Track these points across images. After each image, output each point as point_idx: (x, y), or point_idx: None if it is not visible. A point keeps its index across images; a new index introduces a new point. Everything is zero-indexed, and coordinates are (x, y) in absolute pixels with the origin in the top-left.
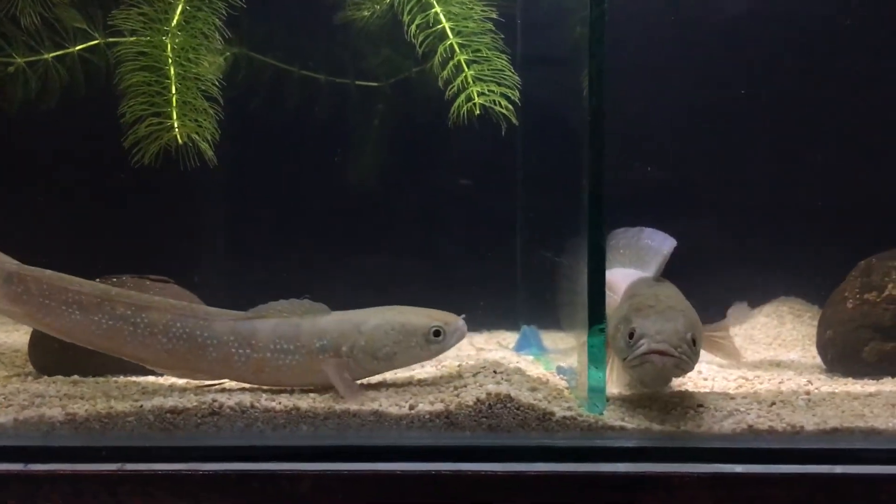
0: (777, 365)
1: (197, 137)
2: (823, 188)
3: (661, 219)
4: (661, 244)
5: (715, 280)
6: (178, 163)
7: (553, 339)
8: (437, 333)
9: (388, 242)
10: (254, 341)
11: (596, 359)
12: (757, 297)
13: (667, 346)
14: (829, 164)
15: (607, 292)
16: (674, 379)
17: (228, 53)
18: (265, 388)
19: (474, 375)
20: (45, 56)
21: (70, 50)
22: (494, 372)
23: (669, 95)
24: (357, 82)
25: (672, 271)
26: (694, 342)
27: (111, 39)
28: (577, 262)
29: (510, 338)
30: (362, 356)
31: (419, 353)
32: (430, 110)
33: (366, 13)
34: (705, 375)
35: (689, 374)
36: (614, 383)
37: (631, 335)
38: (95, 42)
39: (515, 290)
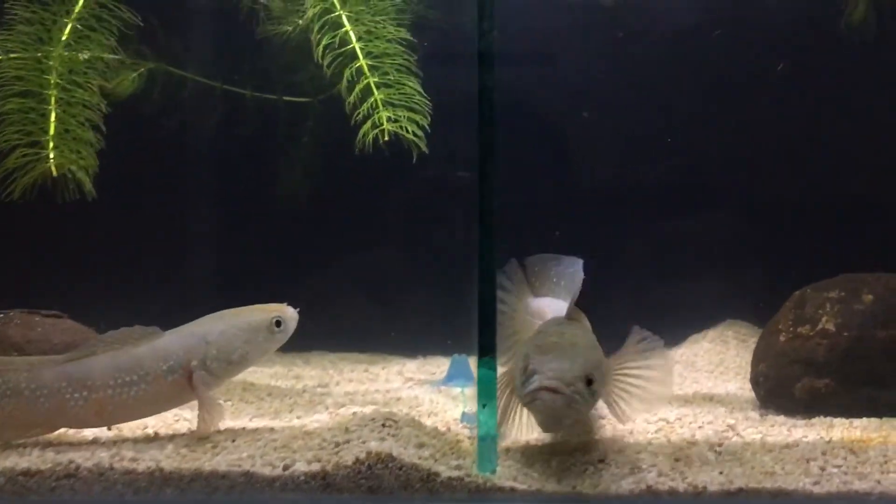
0: (710, 399)
1: (75, 169)
2: (771, 204)
3: (594, 240)
4: (578, 271)
5: (658, 303)
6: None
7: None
8: (278, 324)
9: (309, 260)
10: (89, 382)
11: (485, 395)
12: (703, 321)
13: (558, 384)
14: (775, 182)
15: (534, 321)
16: (598, 419)
17: (143, 69)
18: (126, 444)
19: (361, 428)
20: None
21: None
22: (383, 425)
23: (608, 111)
24: (285, 98)
25: (610, 295)
26: (590, 383)
27: None
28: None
29: (444, 364)
30: (216, 365)
31: (268, 346)
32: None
33: (288, 28)
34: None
35: (608, 416)
36: (524, 427)
37: (525, 371)
38: None
39: (448, 310)
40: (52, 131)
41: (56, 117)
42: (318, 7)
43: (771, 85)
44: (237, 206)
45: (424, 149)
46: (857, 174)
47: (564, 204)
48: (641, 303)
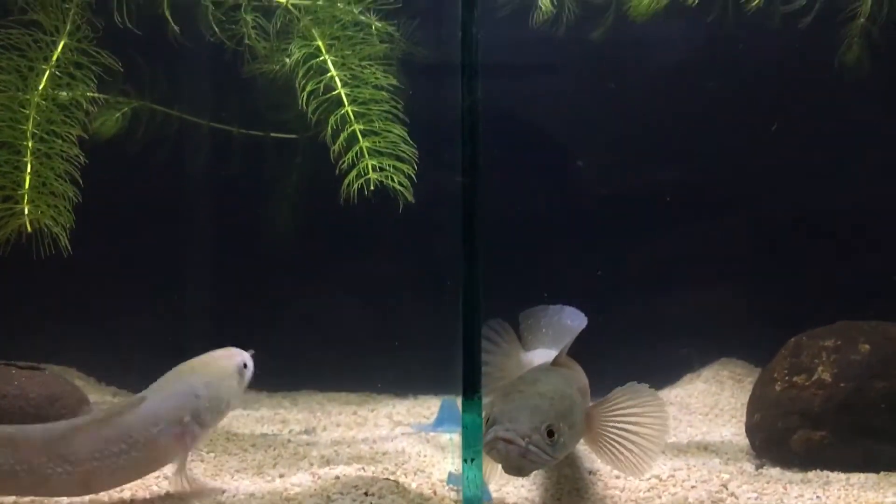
0: (705, 448)
1: (51, 224)
2: (764, 239)
3: (587, 274)
4: (575, 322)
5: (649, 341)
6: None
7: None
8: (245, 366)
9: (297, 296)
10: (73, 457)
11: (471, 448)
12: (698, 359)
13: (513, 435)
14: (765, 216)
15: None
16: (581, 479)
17: (126, 109)
18: None
19: (343, 497)
20: None
21: None
22: (365, 494)
23: (599, 150)
24: (273, 135)
25: (600, 334)
26: (551, 434)
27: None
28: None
29: (434, 406)
30: (209, 417)
31: (241, 390)
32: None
33: (274, 67)
34: (619, 472)
35: (601, 472)
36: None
37: (488, 420)
38: None
39: (438, 350)
40: (27, 185)
41: (32, 170)
42: (303, 52)
43: (764, 124)
44: (225, 244)
45: (411, 198)
46: (848, 212)
47: (555, 243)
48: (635, 341)
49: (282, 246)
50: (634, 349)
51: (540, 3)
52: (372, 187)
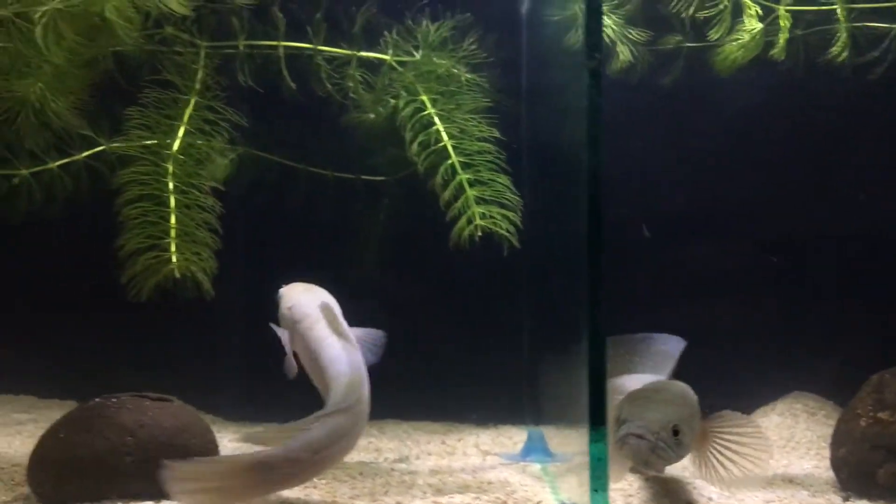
0: (790, 481)
1: (195, 269)
2: (834, 273)
3: (663, 311)
4: (672, 347)
5: (724, 375)
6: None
7: (562, 440)
8: None
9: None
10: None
11: (598, 479)
12: (769, 393)
13: (643, 431)
14: (837, 251)
15: (616, 398)
16: None
17: (234, 155)
18: None
19: None
20: (51, 165)
21: (76, 157)
22: None
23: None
24: (363, 177)
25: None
26: (676, 433)
27: (115, 145)
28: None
29: (517, 436)
30: None
31: None
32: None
33: (371, 116)
34: (716, 502)
35: (697, 501)
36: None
37: (618, 420)
38: (101, 148)
39: (521, 382)
40: (172, 234)
41: (176, 220)
42: (411, 107)
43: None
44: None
45: (517, 244)
46: None
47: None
48: (709, 374)
49: (368, 279)
50: (710, 381)
51: (619, 52)
52: (479, 233)
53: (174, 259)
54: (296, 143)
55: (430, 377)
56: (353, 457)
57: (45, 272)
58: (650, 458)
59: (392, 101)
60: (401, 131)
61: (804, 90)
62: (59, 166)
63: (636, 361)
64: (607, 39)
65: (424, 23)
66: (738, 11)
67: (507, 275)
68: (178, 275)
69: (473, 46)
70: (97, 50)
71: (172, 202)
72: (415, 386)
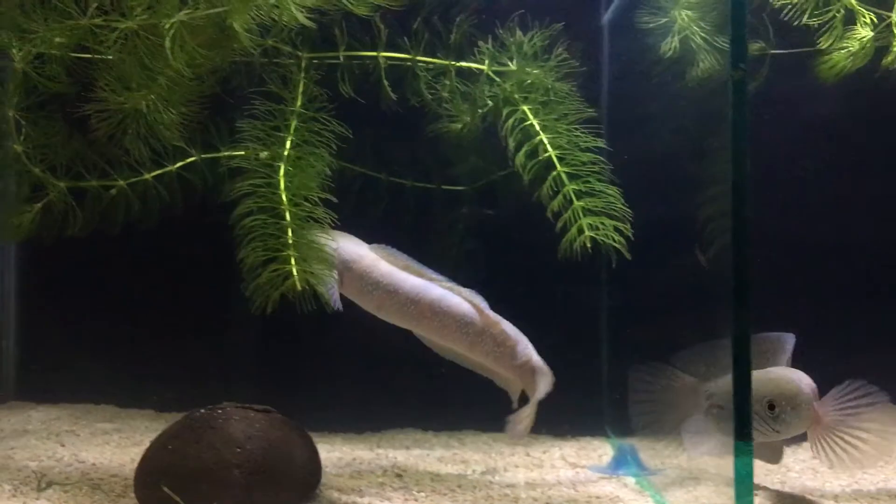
0: (892, 497)
1: (315, 282)
2: None
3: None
4: (785, 343)
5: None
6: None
7: (655, 452)
8: None
9: None
10: None
11: (744, 495)
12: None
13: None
14: None
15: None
16: None
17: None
18: None
19: None
20: (146, 176)
21: (169, 168)
22: None
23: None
24: (443, 186)
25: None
26: (772, 407)
27: (205, 156)
28: (703, 369)
29: (600, 448)
30: None
31: None
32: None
33: (457, 126)
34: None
35: None
36: None
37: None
38: (192, 159)
39: (601, 393)
40: (291, 248)
41: (293, 233)
42: (514, 117)
43: None
44: None
45: (628, 256)
46: None
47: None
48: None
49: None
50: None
51: (699, 61)
52: (588, 245)
53: (294, 272)
54: (379, 152)
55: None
56: (441, 468)
57: (127, 282)
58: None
59: (481, 111)
60: (491, 140)
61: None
62: (154, 177)
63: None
64: (693, 47)
65: (517, 33)
66: (849, 19)
67: (586, 284)
68: (299, 287)
69: (563, 56)
70: (213, 62)
71: (288, 215)
72: (492, 396)
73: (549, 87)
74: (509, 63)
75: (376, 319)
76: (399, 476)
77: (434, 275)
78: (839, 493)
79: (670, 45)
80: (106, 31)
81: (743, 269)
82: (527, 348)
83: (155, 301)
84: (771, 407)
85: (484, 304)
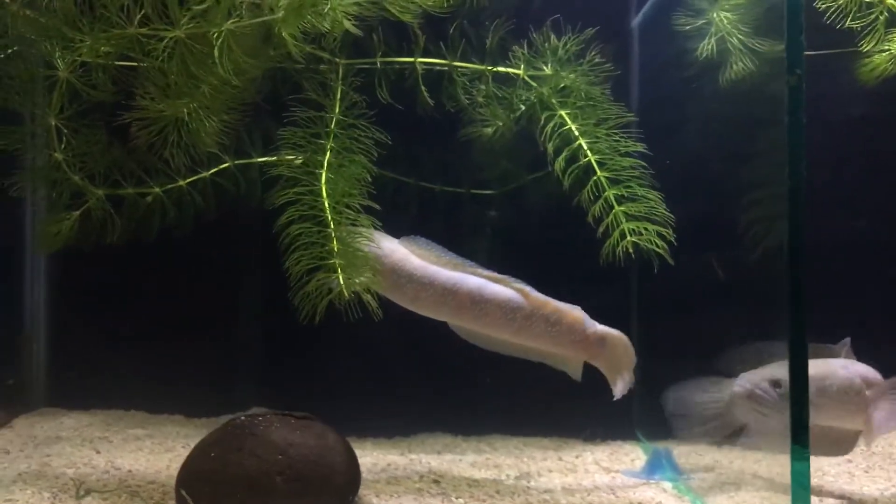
0: None
1: (361, 291)
2: None
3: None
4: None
5: None
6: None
7: (687, 456)
8: None
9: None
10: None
11: (801, 498)
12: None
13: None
14: None
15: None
16: None
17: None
18: None
19: None
20: (181, 183)
21: (203, 175)
22: None
23: None
24: (472, 191)
25: None
26: (777, 385)
27: (239, 162)
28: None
29: (631, 452)
30: None
31: None
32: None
33: (489, 130)
34: None
35: None
36: None
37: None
38: (226, 165)
39: (631, 396)
40: (336, 256)
41: (336, 240)
42: (552, 122)
43: None
44: None
45: (670, 260)
46: None
47: None
48: None
49: None
50: None
51: (732, 63)
52: (630, 250)
53: (340, 280)
54: (411, 157)
55: (536, 391)
56: (475, 474)
57: (157, 288)
58: (750, 405)
59: (514, 115)
60: (522, 145)
61: None
62: (188, 184)
63: None
64: (731, 48)
65: (552, 37)
66: (892, 22)
67: (616, 287)
68: (347, 295)
69: (596, 60)
70: (257, 70)
71: (331, 222)
72: (519, 400)
73: (584, 90)
74: (544, 67)
75: (403, 322)
76: (436, 482)
77: (471, 265)
78: (878, 497)
79: (706, 46)
80: (153, 40)
81: (799, 272)
82: (588, 320)
83: (183, 307)
84: (776, 385)
85: (529, 288)
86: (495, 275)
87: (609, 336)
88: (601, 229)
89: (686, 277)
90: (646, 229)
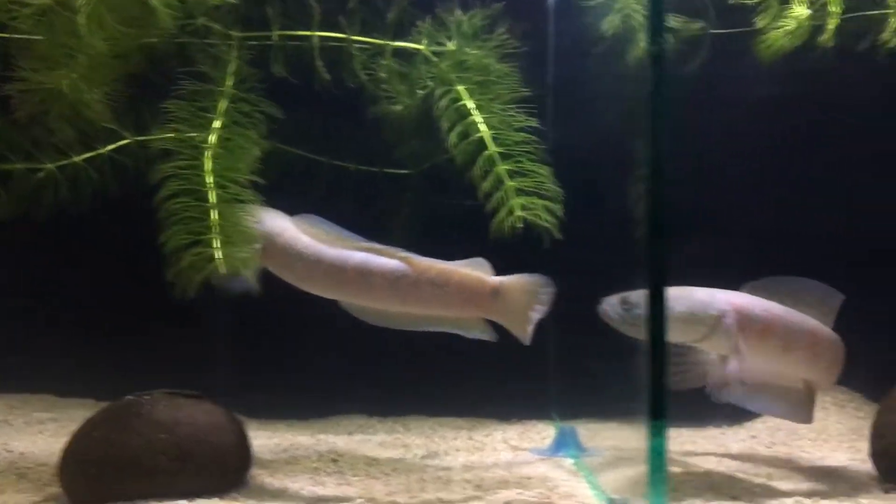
0: (828, 474)
1: (239, 266)
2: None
3: None
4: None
5: None
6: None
7: (596, 434)
8: None
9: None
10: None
11: (657, 476)
12: None
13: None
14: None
15: None
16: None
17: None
18: None
19: None
20: (76, 159)
21: (101, 151)
22: None
23: None
24: (386, 170)
25: None
26: (625, 303)
27: (149, 138)
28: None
29: (543, 431)
30: None
31: None
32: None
33: (399, 107)
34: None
35: (741, 496)
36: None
37: None
38: (125, 142)
39: (546, 374)
40: (215, 230)
41: (218, 214)
42: (448, 98)
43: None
44: None
45: (558, 235)
46: None
47: None
48: None
49: None
50: None
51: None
52: (520, 225)
53: (218, 255)
54: (320, 135)
55: (452, 372)
56: (382, 453)
57: (59, 270)
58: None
59: (420, 92)
60: (435, 122)
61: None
62: (85, 160)
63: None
64: (636, 25)
65: (457, 12)
66: None
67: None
68: (223, 271)
69: (505, 37)
70: (135, 40)
71: (213, 197)
72: (437, 381)
73: (488, 67)
74: (448, 43)
75: (323, 303)
76: (335, 461)
77: (364, 242)
78: (772, 473)
79: (612, 23)
80: (19, 6)
81: (660, 246)
82: (479, 276)
83: (91, 289)
84: (624, 303)
85: (414, 256)
86: (381, 247)
87: (502, 285)
88: (493, 205)
89: (586, 261)
90: (533, 204)
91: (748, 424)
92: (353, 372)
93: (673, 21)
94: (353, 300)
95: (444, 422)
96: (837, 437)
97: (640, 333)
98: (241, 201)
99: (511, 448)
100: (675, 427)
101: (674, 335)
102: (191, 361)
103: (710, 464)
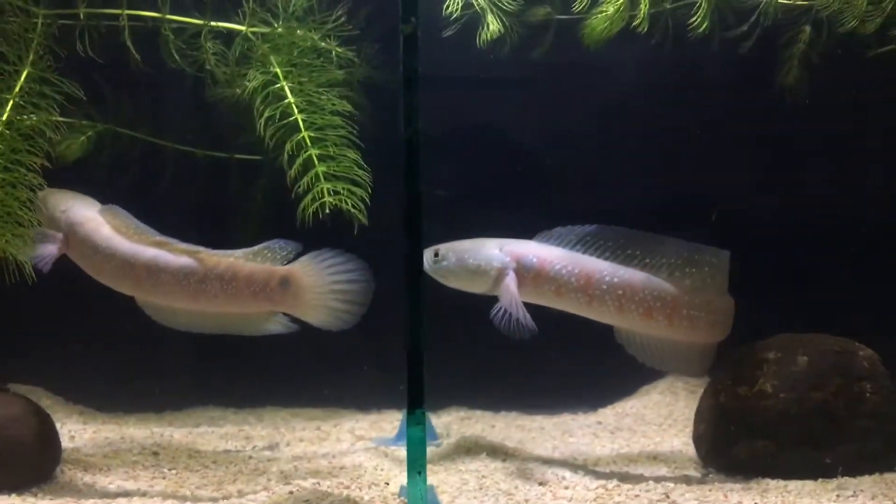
0: (654, 458)
1: (15, 253)
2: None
3: None
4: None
5: (611, 352)
6: None
7: (452, 425)
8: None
9: None
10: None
11: (417, 462)
12: (652, 372)
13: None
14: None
15: None
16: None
17: (91, 132)
18: None
19: None
20: None
21: None
22: None
23: None
24: (237, 156)
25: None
26: (437, 255)
27: None
28: None
29: (397, 420)
30: None
31: None
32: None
33: (237, 90)
34: (568, 483)
35: (550, 482)
36: None
37: None
38: None
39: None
40: None
41: None
42: (262, 78)
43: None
44: None
45: (365, 221)
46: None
47: None
48: (595, 353)
49: None
50: (588, 362)
51: (488, 23)
52: (328, 210)
53: None
54: (164, 119)
55: (311, 362)
56: (220, 445)
57: None
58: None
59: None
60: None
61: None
62: None
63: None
64: (477, 9)
65: None
66: None
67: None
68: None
69: (342, 19)
70: None
71: None
72: (296, 372)
73: (316, 49)
74: (275, 24)
75: None
76: (155, 454)
77: (163, 238)
78: (604, 456)
79: (453, 5)
80: None
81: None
82: (267, 267)
83: None
84: (436, 255)
85: (207, 251)
86: (176, 242)
87: (292, 272)
88: (299, 189)
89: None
90: (344, 188)
91: (602, 410)
92: (213, 363)
93: (508, 4)
94: (146, 297)
95: (300, 412)
96: (683, 421)
97: (448, 283)
98: (25, 186)
99: (356, 438)
100: (528, 414)
101: (467, 286)
102: (41, 358)
103: (549, 450)
